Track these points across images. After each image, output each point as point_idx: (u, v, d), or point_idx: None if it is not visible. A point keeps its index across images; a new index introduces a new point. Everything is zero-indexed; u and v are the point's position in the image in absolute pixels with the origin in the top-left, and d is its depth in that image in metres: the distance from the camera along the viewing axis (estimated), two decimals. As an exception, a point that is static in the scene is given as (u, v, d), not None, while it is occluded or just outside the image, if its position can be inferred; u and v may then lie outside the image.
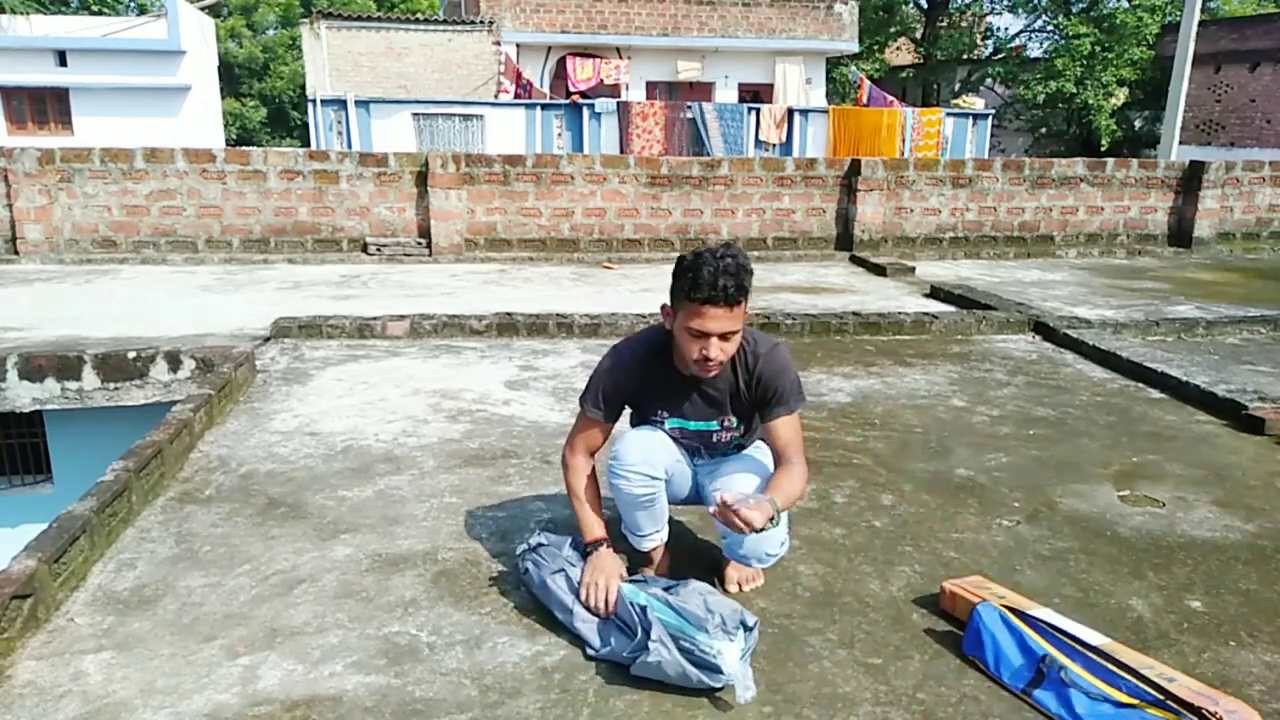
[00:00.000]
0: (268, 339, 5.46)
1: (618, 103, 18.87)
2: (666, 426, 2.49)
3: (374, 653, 2.25)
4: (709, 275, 2.15)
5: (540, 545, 2.47)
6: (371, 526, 2.95)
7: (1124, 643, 2.22)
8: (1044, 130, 28.11)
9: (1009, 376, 4.96)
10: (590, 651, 2.23)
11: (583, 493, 2.47)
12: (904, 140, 18.98)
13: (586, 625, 2.27)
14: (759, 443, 2.58)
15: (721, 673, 2.02)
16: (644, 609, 2.15)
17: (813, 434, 3.89)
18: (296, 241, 8.84)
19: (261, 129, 33.04)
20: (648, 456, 2.40)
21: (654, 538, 2.52)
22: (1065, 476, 3.49)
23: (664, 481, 2.44)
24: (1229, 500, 3.29)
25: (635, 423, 2.56)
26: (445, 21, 20.09)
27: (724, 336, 2.24)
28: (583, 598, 2.29)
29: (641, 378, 2.43)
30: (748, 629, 2.11)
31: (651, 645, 2.06)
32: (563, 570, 2.39)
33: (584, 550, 2.42)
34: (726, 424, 2.48)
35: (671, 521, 2.63)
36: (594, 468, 2.53)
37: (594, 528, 2.43)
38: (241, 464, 3.50)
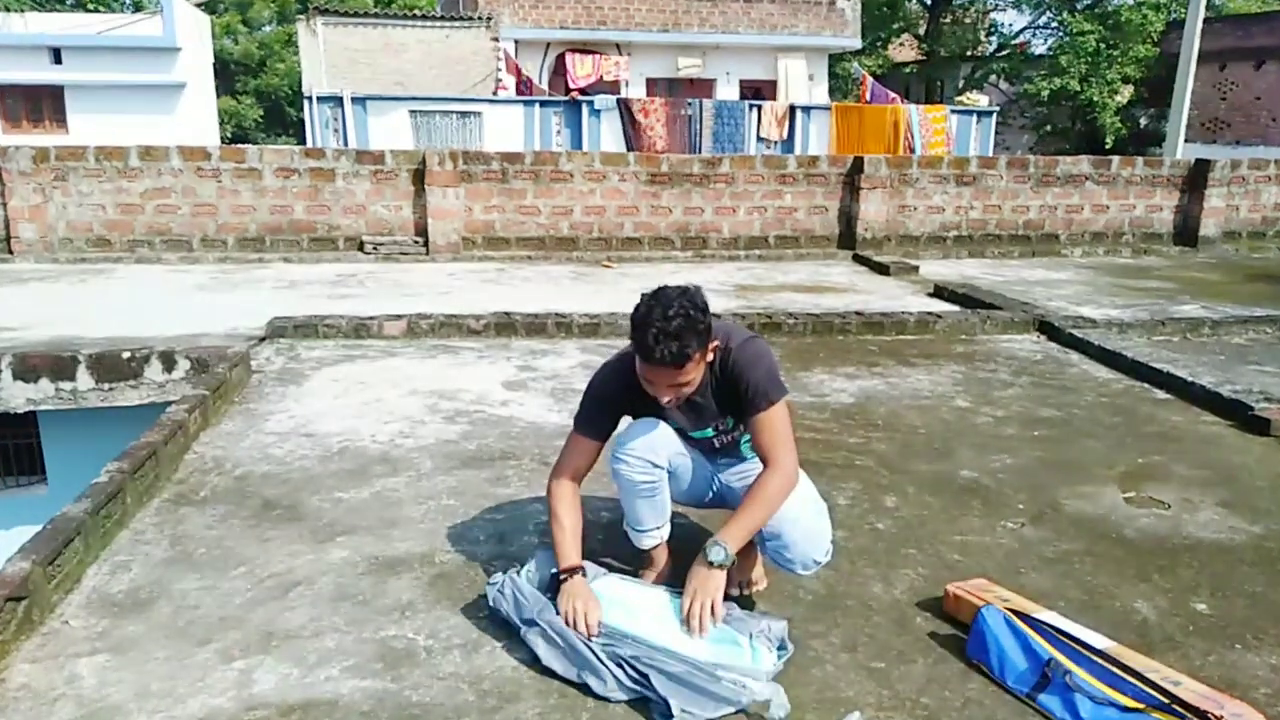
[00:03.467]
0: (263, 339, 5.43)
1: (617, 99, 18.82)
2: None
3: (370, 656, 2.22)
4: (650, 340, 2.11)
5: (517, 592, 2.31)
6: (368, 529, 2.93)
7: (1129, 646, 2.20)
8: (1048, 128, 28.03)
9: (1013, 377, 4.93)
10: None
11: (564, 518, 2.37)
12: (911, 137, 18.89)
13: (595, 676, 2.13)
14: None
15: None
16: (632, 661, 2.07)
17: (815, 435, 3.86)
18: (292, 240, 8.80)
19: (257, 127, 32.93)
20: (650, 443, 2.36)
21: (654, 534, 2.46)
22: (1070, 478, 3.46)
23: (666, 472, 2.39)
24: (1235, 502, 3.27)
25: None
26: (443, 17, 19.99)
27: (675, 385, 2.21)
28: (565, 620, 2.18)
29: (626, 397, 2.39)
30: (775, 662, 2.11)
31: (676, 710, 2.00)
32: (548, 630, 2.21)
33: (557, 577, 2.29)
34: (720, 427, 2.44)
35: (678, 523, 2.60)
36: (579, 499, 2.44)
37: (570, 555, 2.33)
38: (237, 465, 3.47)
